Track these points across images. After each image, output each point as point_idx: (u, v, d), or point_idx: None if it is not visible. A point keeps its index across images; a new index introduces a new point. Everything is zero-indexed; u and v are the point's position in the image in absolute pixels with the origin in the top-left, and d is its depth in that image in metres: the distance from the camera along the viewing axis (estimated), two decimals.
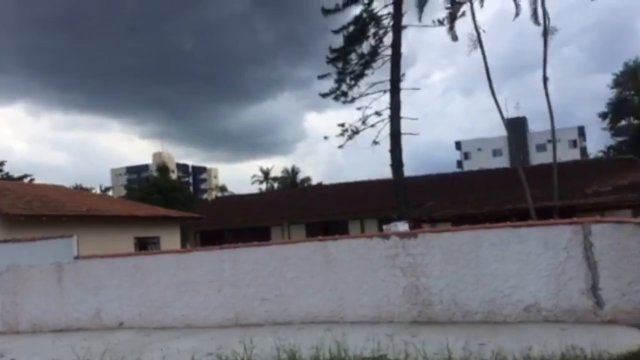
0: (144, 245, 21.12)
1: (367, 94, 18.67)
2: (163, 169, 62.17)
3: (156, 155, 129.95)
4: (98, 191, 72.03)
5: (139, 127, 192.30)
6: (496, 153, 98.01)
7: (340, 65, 19.05)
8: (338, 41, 18.84)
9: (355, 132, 19.92)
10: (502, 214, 18.31)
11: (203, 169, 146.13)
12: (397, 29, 17.69)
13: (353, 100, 19.13)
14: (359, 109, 19.26)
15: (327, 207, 27.30)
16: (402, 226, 13.72)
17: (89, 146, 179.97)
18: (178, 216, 23.17)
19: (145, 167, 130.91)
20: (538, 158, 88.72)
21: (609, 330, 8.89)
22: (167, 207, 27.67)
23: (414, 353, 7.87)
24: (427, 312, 10.61)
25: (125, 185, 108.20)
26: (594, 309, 9.55)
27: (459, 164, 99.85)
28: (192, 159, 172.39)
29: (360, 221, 26.17)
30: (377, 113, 19.00)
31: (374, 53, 18.34)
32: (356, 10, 18.28)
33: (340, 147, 20.33)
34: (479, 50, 16.71)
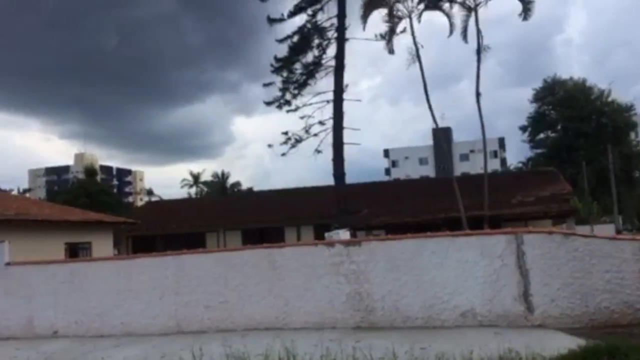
0: (74, 251, 20.44)
1: (311, 104, 19.03)
2: (91, 171, 59.86)
3: (78, 157, 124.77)
4: (16, 193, 68.55)
5: (59, 127, 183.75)
6: (422, 161, 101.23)
7: (284, 74, 19.31)
8: (282, 50, 19.12)
9: (299, 140, 20.23)
10: (435, 223, 19.10)
11: (128, 172, 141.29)
12: (341, 41, 18.16)
13: (297, 109, 19.45)
14: (302, 118, 19.63)
15: (263, 213, 27.33)
16: (344, 234, 14.05)
17: (3, 145, 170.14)
18: (112, 221, 22.54)
19: (65, 169, 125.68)
20: (461, 167, 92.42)
21: (539, 334, 9.51)
22: (95, 212, 26.79)
23: (362, 358, 8.14)
24: (369, 318, 10.94)
25: (47, 188, 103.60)
26: (525, 314, 10.19)
27: (387, 171, 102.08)
28: (115, 161, 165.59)
29: (297, 228, 26.38)
30: (321, 122, 19.40)
31: (318, 63, 18.74)
32: (300, 20, 18.68)
33: (284, 154, 20.69)
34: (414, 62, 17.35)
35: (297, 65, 19.05)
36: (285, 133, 20.06)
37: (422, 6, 18.04)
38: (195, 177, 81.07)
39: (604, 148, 50.68)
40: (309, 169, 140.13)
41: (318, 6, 18.47)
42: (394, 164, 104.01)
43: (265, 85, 19.63)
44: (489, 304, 10.34)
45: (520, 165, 67.24)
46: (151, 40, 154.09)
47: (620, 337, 8.74)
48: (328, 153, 20.01)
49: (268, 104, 19.80)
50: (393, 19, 18.25)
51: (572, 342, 8.76)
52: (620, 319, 10.05)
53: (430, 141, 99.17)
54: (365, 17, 17.88)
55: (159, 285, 12.11)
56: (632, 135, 57.94)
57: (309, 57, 18.89)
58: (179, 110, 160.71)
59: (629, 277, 10.06)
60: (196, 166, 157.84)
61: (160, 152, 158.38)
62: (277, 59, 19.19)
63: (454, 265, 10.52)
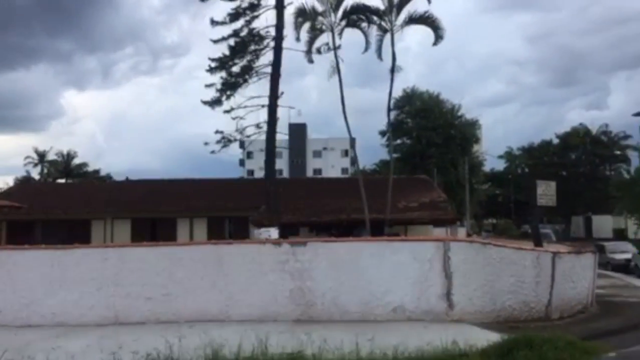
0: None
1: (246, 106, 19.59)
2: None
3: None
4: None
5: None
6: (277, 155, 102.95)
7: (222, 75, 19.69)
8: (214, 49, 19.60)
9: (230, 140, 20.71)
10: (339, 223, 20.54)
11: None
12: (278, 49, 18.93)
13: (231, 110, 19.88)
14: (234, 118, 20.15)
15: (154, 203, 26.89)
16: (274, 232, 14.87)
17: None
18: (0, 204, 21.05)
19: None
20: (314, 164, 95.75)
21: (460, 328, 11.10)
22: None
23: (328, 348, 9.12)
24: (309, 312, 11.95)
25: None
26: (447, 310, 11.83)
27: (242, 162, 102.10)
28: None
29: (190, 220, 26.41)
30: (258, 126, 20.06)
31: (251, 68, 19.33)
32: (238, 24, 19.13)
33: (213, 152, 21.09)
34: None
35: (235, 68, 19.52)
36: (221, 132, 20.45)
37: (344, 23, 19.38)
38: (41, 156, 74.22)
39: (451, 157, 56.17)
40: (145, 153, 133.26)
41: (256, 13, 19.13)
42: (249, 155, 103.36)
43: (207, 86, 19.90)
44: (416, 301, 11.84)
45: (374, 166, 71.53)
46: None
47: (526, 330, 10.62)
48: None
49: (206, 103, 19.98)
50: (315, 32, 19.43)
51: (487, 335, 10.48)
52: (519, 316, 12.08)
53: (284, 136, 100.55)
54: (297, 27, 18.91)
55: (97, 277, 12.09)
56: (475, 147, 64.22)
57: (244, 61, 19.44)
58: None
59: (528, 281, 12.12)
60: (16, 139, 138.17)
61: None
62: (212, 59, 19.56)
63: (389, 266, 11.87)
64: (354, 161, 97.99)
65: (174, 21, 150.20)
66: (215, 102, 19.99)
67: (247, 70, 19.63)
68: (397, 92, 61.16)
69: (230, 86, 19.68)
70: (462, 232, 41.51)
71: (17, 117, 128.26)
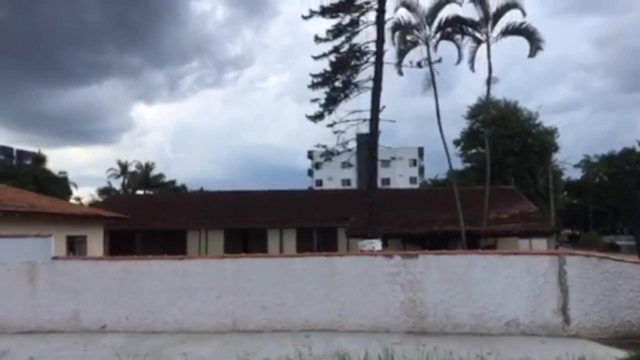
0: (72, 245, 20.31)
1: (347, 120, 20.19)
2: (40, 158, 56.61)
3: None
4: None
5: None
6: (344, 165, 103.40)
7: (326, 90, 20.39)
8: (315, 66, 20.50)
9: (333, 154, 21.36)
10: (433, 235, 20.56)
11: (29, 154, 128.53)
12: (379, 65, 19.41)
13: (333, 124, 20.56)
14: (330, 125, 20.75)
15: (245, 214, 27.82)
16: (377, 244, 15.12)
17: None
18: (107, 216, 22.41)
19: None
20: (382, 173, 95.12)
21: (578, 343, 10.94)
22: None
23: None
24: (421, 324, 12.10)
25: None
26: (563, 325, 11.70)
27: (310, 172, 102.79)
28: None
29: (280, 230, 27.14)
30: (358, 139, 20.66)
31: (351, 83, 19.91)
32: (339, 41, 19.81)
33: (317, 166, 22.05)
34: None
35: (337, 83, 20.15)
36: (324, 146, 21.14)
37: (438, 35, 19.59)
38: (124, 167, 77.68)
39: (529, 167, 54.71)
40: (209, 164, 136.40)
41: (357, 29, 19.70)
42: (317, 165, 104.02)
43: (313, 101, 20.70)
44: (531, 315, 11.77)
45: (445, 177, 70.47)
46: (46, 15, 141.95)
47: None
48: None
49: (311, 117, 20.72)
50: (406, 43, 19.73)
51: (610, 352, 10.32)
52: (638, 332, 11.75)
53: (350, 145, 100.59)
54: (396, 42, 19.40)
55: (216, 286, 12.69)
56: (554, 156, 62.34)
57: (344, 76, 20.06)
58: (73, 91, 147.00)
59: None
60: (90, 151, 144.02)
61: (49, 134, 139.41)
62: (313, 75, 20.29)
63: (501, 280, 11.88)
64: (422, 170, 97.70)
65: (237, 34, 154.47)
66: (318, 117, 20.63)
67: (348, 85, 20.15)
68: (471, 101, 60.36)
69: (331, 101, 20.25)
70: (541, 244, 40.25)
71: (90, 130, 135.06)
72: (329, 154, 21.24)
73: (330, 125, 20.41)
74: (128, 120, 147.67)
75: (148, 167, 76.99)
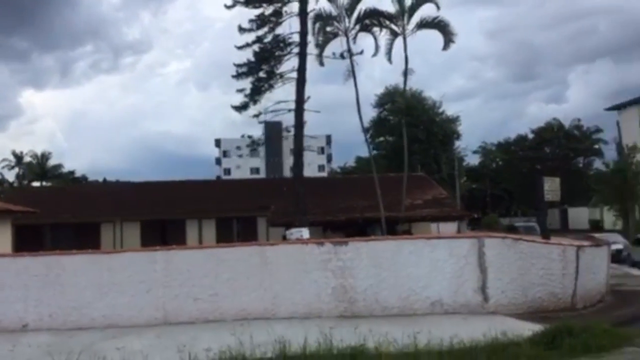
0: None
1: (273, 111, 20.13)
2: None
3: None
4: None
5: None
6: (253, 153, 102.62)
7: (251, 80, 20.14)
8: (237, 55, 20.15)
9: (259, 144, 21.25)
10: (354, 222, 21.13)
11: None
12: (303, 55, 19.51)
13: (259, 114, 20.39)
14: (260, 122, 20.71)
15: (163, 205, 27.07)
16: (305, 232, 15.38)
17: None
18: (17, 210, 21.03)
19: None
20: (290, 162, 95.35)
21: (496, 319, 11.77)
22: None
23: (379, 343, 9.66)
24: (351, 308, 12.52)
25: None
26: (482, 303, 12.55)
27: (218, 161, 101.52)
28: None
29: (199, 221, 26.71)
30: (287, 130, 20.60)
31: (274, 73, 19.87)
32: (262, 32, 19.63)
33: (241, 156, 21.84)
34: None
35: (260, 73, 20.01)
36: (250, 137, 20.94)
37: (358, 27, 20.03)
38: (19, 158, 72.57)
39: (434, 153, 57.37)
40: (107, 153, 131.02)
41: (280, 20, 19.66)
42: (225, 154, 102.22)
43: (238, 91, 20.37)
44: (453, 295, 12.53)
45: (353, 165, 72.40)
46: None
47: (556, 320, 11.37)
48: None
49: (236, 108, 20.42)
50: (327, 35, 20.02)
51: (525, 325, 11.21)
52: (547, 306, 12.86)
53: (255, 132, 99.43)
54: (316, 31, 19.55)
55: (146, 279, 12.45)
56: (457, 143, 65.68)
57: (268, 67, 20.00)
58: None
59: (555, 273, 12.92)
60: None
61: None
62: (238, 65, 20.04)
63: (427, 263, 12.54)
64: (329, 158, 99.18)
65: (134, 18, 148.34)
66: (243, 107, 20.50)
67: (272, 76, 20.18)
68: (378, 90, 62.02)
69: (256, 91, 20.20)
70: (449, 227, 42.31)
71: None
72: (254, 144, 21.24)
73: (256, 116, 20.46)
74: (16, 107, 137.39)
75: (44, 157, 72.27)
